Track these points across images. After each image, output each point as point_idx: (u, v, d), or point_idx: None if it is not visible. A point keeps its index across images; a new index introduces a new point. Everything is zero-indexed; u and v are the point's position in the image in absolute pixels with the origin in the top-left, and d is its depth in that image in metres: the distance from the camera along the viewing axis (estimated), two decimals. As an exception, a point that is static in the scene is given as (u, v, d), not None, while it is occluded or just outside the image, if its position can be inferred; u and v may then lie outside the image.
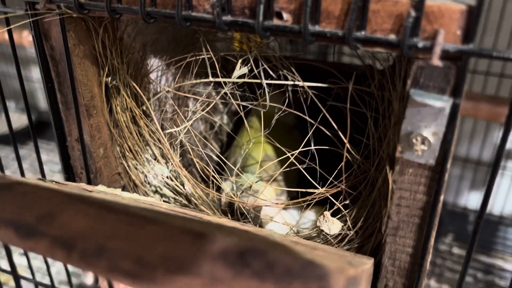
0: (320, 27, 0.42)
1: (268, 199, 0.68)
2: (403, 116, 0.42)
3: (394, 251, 0.50)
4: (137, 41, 0.65)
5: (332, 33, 0.41)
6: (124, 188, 0.70)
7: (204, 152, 0.72)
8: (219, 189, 0.76)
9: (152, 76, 0.66)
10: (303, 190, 0.58)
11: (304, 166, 0.60)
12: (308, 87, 0.58)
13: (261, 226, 0.71)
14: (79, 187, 0.55)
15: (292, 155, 0.58)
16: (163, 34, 0.67)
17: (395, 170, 0.46)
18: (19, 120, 2.07)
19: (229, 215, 0.68)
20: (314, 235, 0.61)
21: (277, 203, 0.60)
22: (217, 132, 0.88)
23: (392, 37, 0.39)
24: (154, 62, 0.67)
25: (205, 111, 0.59)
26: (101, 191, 0.56)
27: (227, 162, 0.70)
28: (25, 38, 1.43)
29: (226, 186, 0.71)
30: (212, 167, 0.67)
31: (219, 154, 0.72)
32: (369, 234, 0.56)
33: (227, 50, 0.78)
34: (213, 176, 0.65)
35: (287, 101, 0.63)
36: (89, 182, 0.66)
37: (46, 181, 0.51)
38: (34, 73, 2.24)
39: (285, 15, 0.42)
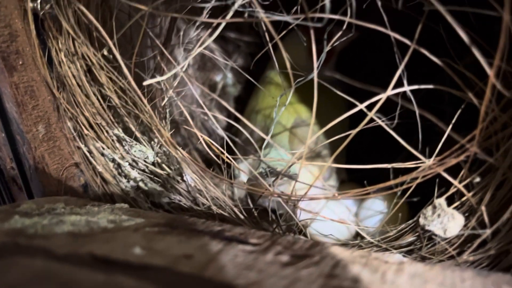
0: None
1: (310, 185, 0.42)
2: None
3: None
4: None
5: None
6: (87, 187, 0.44)
7: (211, 118, 0.46)
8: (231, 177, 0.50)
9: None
10: (404, 165, 0.33)
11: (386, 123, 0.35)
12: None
13: (303, 226, 0.46)
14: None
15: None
16: None
17: None
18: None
19: (256, 216, 0.42)
20: (409, 240, 0.37)
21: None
22: (220, 97, 0.62)
23: None
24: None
25: (210, 40, 0.33)
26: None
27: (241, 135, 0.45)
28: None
29: (243, 170, 0.46)
30: (223, 143, 0.42)
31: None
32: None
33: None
34: (226, 157, 0.40)
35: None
36: (25, 182, 0.40)
37: None
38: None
39: None
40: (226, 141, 0.42)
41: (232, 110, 0.37)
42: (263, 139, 0.47)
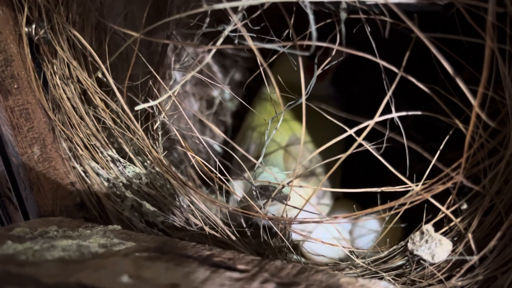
0: None
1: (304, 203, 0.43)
2: None
3: None
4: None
5: None
6: (82, 206, 0.45)
7: (202, 141, 0.46)
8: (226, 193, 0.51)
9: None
10: (393, 189, 0.33)
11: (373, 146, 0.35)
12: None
13: (294, 246, 0.47)
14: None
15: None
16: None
17: None
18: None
19: (249, 235, 0.43)
20: (399, 263, 0.37)
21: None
22: (217, 112, 0.63)
23: None
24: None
25: (200, 67, 0.33)
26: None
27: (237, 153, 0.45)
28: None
29: (237, 188, 0.47)
30: (216, 164, 0.42)
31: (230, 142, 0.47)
32: (506, 260, 0.32)
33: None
34: (216, 177, 0.40)
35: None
36: (20, 202, 0.41)
37: None
38: None
39: None
40: (220, 161, 0.42)
41: (223, 134, 0.37)
42: (256, 158, 0.48)
